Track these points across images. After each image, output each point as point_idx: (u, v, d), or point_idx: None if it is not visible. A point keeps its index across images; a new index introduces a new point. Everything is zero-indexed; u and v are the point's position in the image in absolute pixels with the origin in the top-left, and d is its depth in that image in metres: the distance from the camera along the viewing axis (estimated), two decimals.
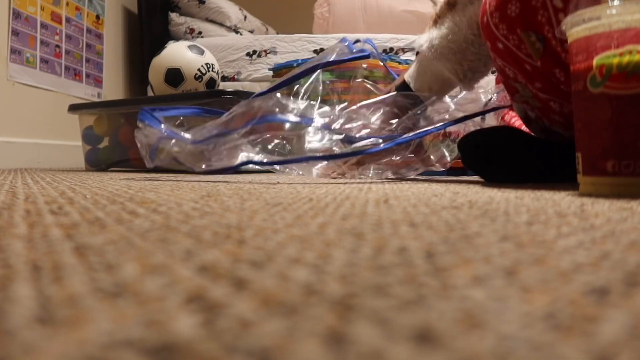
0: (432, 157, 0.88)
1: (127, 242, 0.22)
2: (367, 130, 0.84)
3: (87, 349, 0.10)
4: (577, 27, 0.47)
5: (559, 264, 0.18)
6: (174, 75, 1.39)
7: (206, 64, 1.42)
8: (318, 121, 0.86)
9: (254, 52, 2.16)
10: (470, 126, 0.85)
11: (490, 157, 0.73)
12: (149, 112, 0.82)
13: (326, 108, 0.89)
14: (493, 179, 0.74)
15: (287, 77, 0.91)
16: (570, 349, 0.10)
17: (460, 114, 0.82)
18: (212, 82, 1.44)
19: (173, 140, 0.80)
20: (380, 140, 0.81)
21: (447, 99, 0.86)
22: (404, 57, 1.87)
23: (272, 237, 0.23)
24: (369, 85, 1.01)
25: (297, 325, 0.11)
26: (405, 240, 0.22)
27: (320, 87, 0.96)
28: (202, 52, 1.43)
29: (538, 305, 0.13)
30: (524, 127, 0.78)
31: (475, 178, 0.89)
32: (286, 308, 0.13)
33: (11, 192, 0.49)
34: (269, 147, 0.86)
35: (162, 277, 0.16)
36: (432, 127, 0.80)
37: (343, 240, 0.22)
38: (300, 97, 0.92)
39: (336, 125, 0.85)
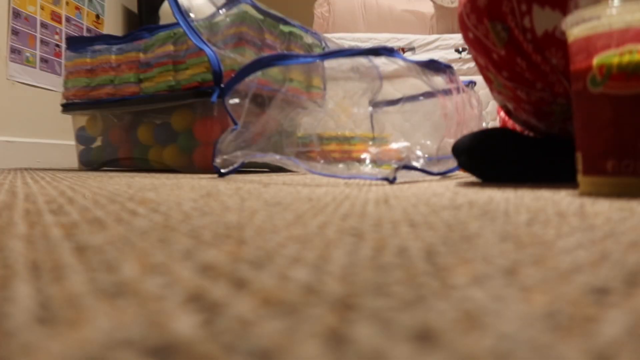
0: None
1: (127, 242, 0.22)
2: None
3: (87, 348, 0.10)
4: (577, 27, 0.47)
5: (558, 264, 0.18)
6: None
7: None
8: None
9: None
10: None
11: (485, 159, 0.74)
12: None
13: None
14: (490, 181, 0.75)
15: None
16: (570, 349, 0.10)
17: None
18: None
19: None
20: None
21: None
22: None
23: (272, 237, 0.23)
24: None
25: (297, 325, 0.11)
26: (405, 240, 0.22)
27: None
28: None
29: (538, 305, 0.13)
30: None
31: (474, 178, 0.89)
32: (286, 308, 0.13)
33: (11, 192, 0.49)
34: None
35: (162, 277, 0.16)
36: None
37: (343, 240, 0.22)
38: None
39: None
